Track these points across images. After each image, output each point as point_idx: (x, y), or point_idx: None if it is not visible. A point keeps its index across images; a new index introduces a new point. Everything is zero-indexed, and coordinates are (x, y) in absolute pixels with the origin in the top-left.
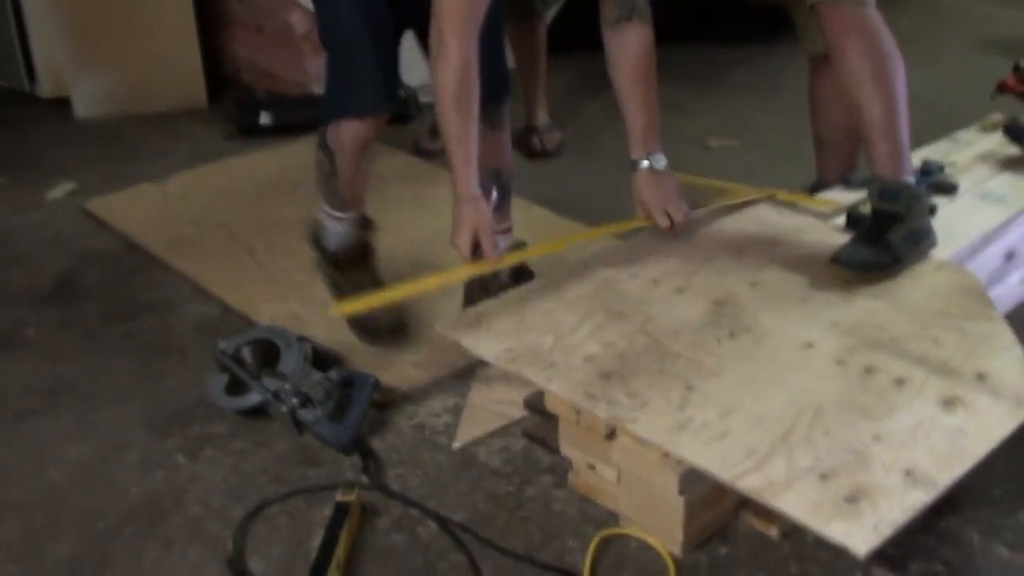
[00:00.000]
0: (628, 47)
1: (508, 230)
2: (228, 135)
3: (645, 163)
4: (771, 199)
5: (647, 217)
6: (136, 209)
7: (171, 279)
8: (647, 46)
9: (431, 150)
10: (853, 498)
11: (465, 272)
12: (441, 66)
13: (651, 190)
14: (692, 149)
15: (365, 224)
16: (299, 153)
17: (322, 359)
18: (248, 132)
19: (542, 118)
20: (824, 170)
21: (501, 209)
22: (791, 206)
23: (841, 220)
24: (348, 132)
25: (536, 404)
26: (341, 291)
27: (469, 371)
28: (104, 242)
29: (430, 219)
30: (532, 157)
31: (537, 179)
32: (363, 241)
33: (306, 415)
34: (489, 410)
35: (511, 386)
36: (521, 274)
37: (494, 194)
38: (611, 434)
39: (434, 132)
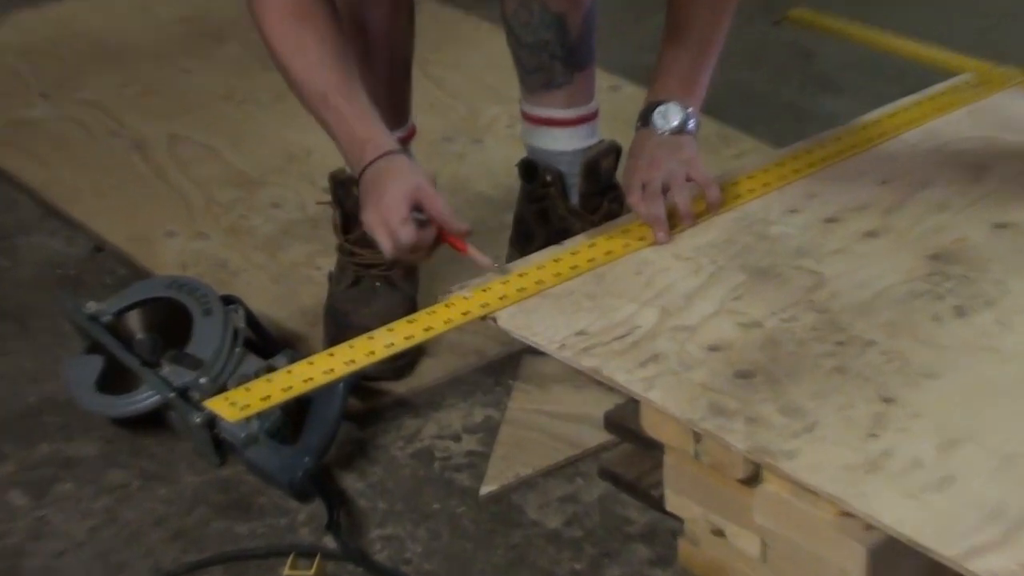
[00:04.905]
0: None
1: (589, 119)
2: None
3: (657, 114)
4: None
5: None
6: None
7: (4, 193)
8: None
9: None
10: None
11: (432, 324)
12: (257, 7)
13: (638, 156)
14: None
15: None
16: None
17: (263, 336)
18: None
19: None
20: None
21: (574, 84)
22: None
23: None
24: None
25: (624, 424)
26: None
27: (509, 363)
28: None
29: (447, 102)
30: None
31: (627, 38)
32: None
33: (235, 430)
34: (542, 431)
35: (580, 392)
36: (600, 198)
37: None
38: (753, 477)
39: None
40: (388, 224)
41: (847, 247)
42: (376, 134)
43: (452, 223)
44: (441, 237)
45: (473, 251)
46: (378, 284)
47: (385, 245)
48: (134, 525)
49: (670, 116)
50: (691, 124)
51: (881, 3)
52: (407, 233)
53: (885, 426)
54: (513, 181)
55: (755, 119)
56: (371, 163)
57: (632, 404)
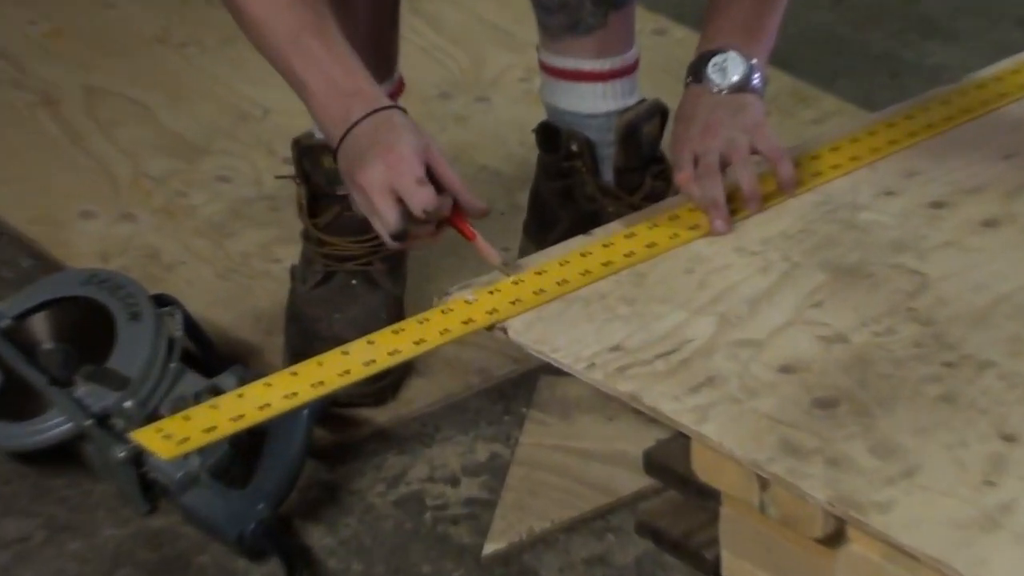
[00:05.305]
0: None
1: (627, 72)
2: None
3: (712, 66)
4: None
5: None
6: None
7: None
8: None
9: None
10: None
11: (428, 338)
12: None
13: (689, 121)
14: None
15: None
16: None
17: (206, 348)
18: None
19: None
20: None
21: (607, 26)
22: None
23: None
24: None
25: (669, 466)
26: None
27: (521, 386)
28: None
29: (444, 47)
30: None
31: None
32: None
33: (169, 469)
34: (563, 474)
35: (613, 424)
36: (641, 174)
37: None
38: (835, 536)
39: None
40: (399, 185)
41: (958, 240)
42: (364, 84)
43: (470, 197)
44: (450, 216)
45: (482, 241)
46: (355, 282)
47: (389, 216)
48: None
49: (729, 69)
50: (756, 79)
51: None
52: (426, 196)
53: (1006, 471)
54: (529, 151)
55: (840, 73)
56: (359, 121)
57: (680, 440)
